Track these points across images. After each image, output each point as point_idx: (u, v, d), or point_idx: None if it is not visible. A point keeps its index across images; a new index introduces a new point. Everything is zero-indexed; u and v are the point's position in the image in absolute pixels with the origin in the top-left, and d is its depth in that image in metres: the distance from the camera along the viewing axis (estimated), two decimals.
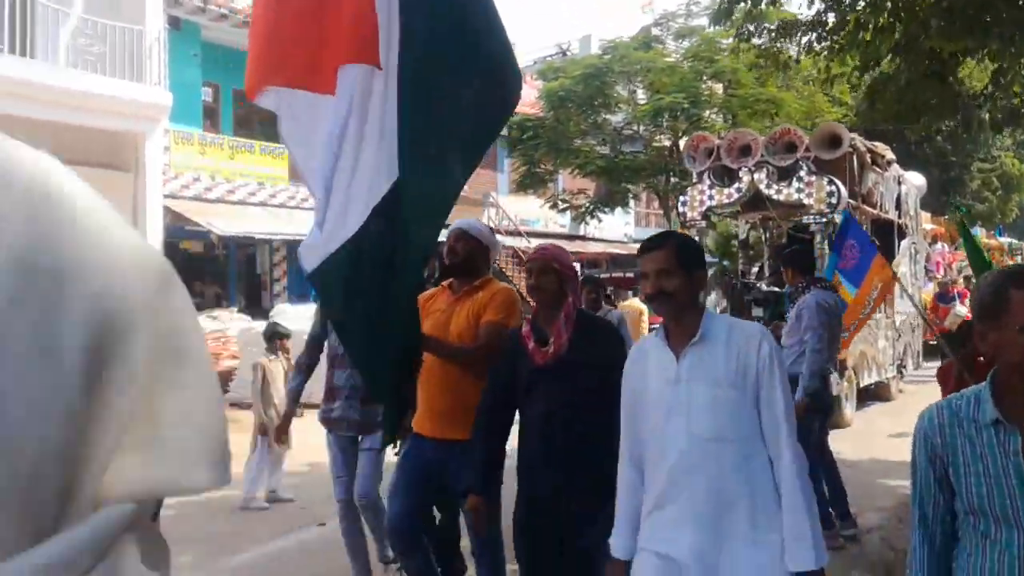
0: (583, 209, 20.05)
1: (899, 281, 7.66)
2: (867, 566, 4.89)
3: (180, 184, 16.11)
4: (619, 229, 27.03)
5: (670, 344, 2.38)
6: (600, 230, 24.50)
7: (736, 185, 9.74)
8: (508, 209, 23.81)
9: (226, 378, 10.93)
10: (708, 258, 12.26)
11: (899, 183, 11.93)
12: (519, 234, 23.22)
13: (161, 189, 15.64)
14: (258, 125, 19.06)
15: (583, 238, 25.89)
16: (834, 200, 9.15)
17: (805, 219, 9.75)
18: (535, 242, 23.48)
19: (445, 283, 3.77)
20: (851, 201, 9.50)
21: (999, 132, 7.84)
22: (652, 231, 28.40)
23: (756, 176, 9.50)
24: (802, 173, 9.30)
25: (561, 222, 24.43)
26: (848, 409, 9.43)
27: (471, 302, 3.55)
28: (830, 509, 5.30)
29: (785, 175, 9.37)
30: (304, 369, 4.65)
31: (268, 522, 6.03)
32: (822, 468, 5.34)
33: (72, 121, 12.33)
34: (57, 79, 12.93)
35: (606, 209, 20.19)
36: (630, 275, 18.98)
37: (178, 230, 15.83)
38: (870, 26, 6.26)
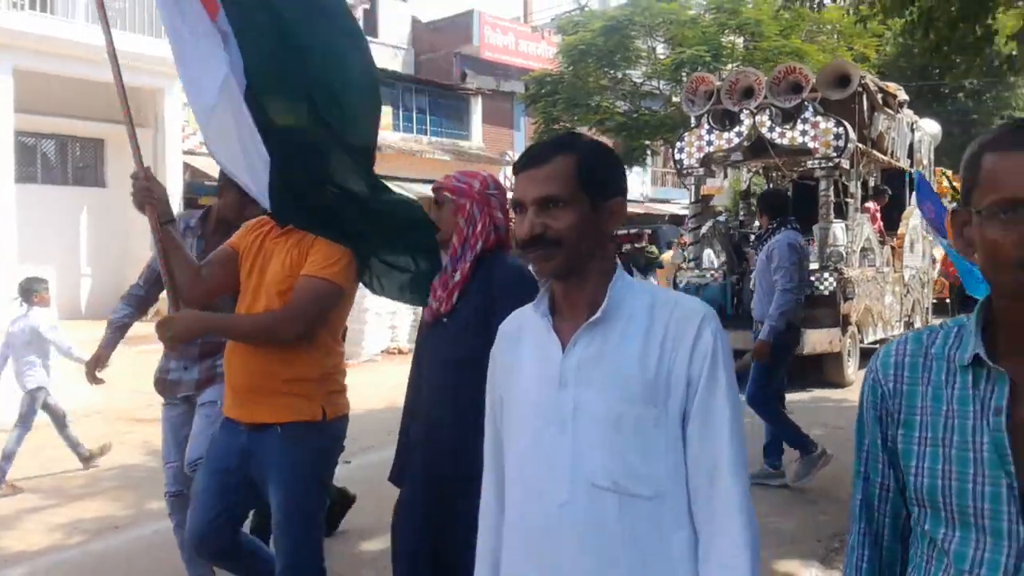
0: None
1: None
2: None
3: (199, 140, 16.12)
4: (636, 188, 26.86)
5: (555, 323, 1.47)
6: None
7: (737, 129, 9.03)
8: None
9: None
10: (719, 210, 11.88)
11: (912, 129, 11.22)
12: None
13: (180, 145, 15.69)
14: None
15: None
16: (841, 144, 8.48)
17: (810, 164, 9.01)
18: None
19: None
20: (859, 145, 8.96)
21: None
22: (669, 191, 28.32)
23: (758, 119, 8.80)
24: (807, 115, 8.61)
25: None
26: (851, 367, 8.95)
27: (294, 242, 2.61)
28: (766, 456, 5.32)
29: (789, 117, 8.68)
30: (135, 302, 3.76)
31: None
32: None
33: (92, 77, 12.35)
34: (77, 35, 12.93)
35: (624, 167, 20.08)
36: (634, 231, 18.92)
37: (198, 186, 15.89)
38: None
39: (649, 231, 19.82)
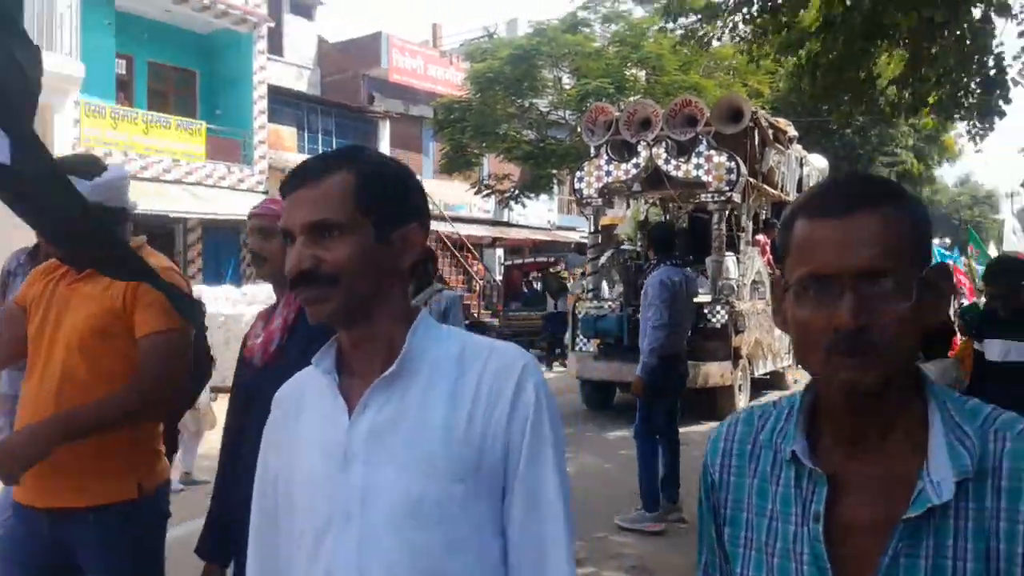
0: (508, 194, 20.11)
1: None
2: None
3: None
4: (543, 216, 27.19)
5: (343, 382, 1.19)
6: (524, 216, 24.60)
7: (634, 160, 9.05)
8: (433, 193, 23.63)
9: None
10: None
11: (802, 164, 11.57)
12: (444, 219, 23.10)
13: None
14: (174, 99, 18.38)
15: (507, 224, 25.95)
16: (733, 177, 8.58)
17: (703, 197, 9.11)
18: (459, 227, 23.47)
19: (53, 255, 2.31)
20: (751, 179, 9.08)
21: (909, 117, 8.13)
22: (575, 219, 28.82)
23: (655, 151, 8.85)
24: (701, 148, 8.69)
25: (486, 207, 24.43)
26: (741, 399, 8.99)
27: (102, 288, 2.14)
28: (661, 491, 5.29)
29: (684, 150, 8.75)
30: None
31: (181, 504, 5.81)
32: (665, 448, 5.37)
33: None
34: None
35: (531, 195, 20.28)
36: (541, 259, 19.06)
37: None
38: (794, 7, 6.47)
39: (554, 259, 20.07)
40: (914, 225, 0.91)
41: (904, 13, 5.60)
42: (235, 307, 12.23)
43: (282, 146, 20.76)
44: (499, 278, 20.98)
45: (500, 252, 23.80)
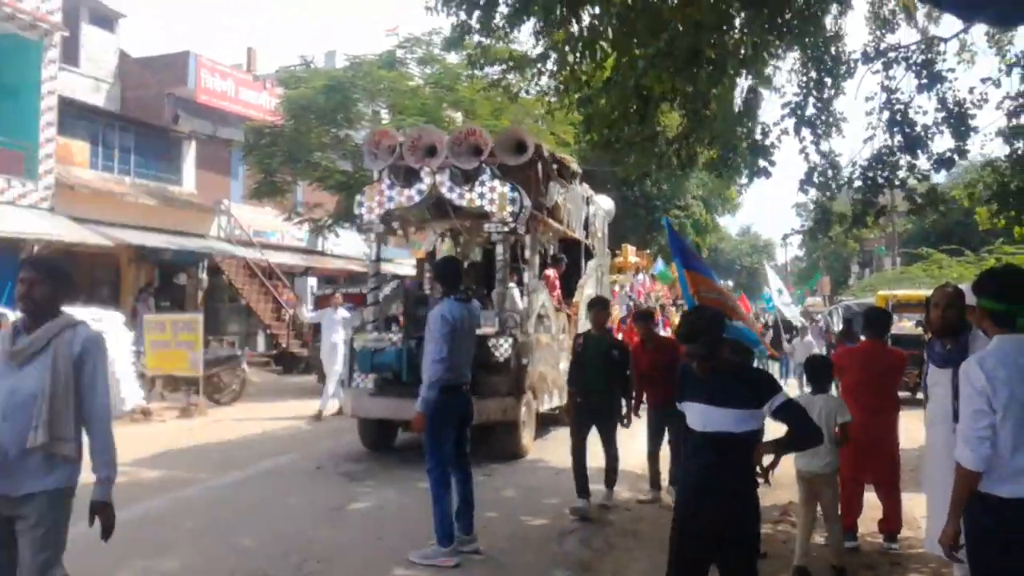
0: (321, 223, 19.84)
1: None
2: (569, 564, 5.31)
3: None
4: (358, 246, 26.96)
5: None
6: (338, 245, 24.30)
7: (417, 186, 8.79)
8: (242, 218, 22.83)
9: None
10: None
11: (587, 203, 11.65)
12: (252, 244, 22.35)
13: None
14: None
15: (322, 253, 25.50)
16: (516, 208, 8.53)
17: (486, 227, 8.93)
18: (269, 254, 22.77)
19: None
20: (535, 212, 9.06)
21: (684, 170, 8.94)
22: (391, 250, 28.76)
23: (438, 178, 8.67)
24: (484, 178, 8.59)
25: (298, 235, 23.91)
26: (527, 436, 8.92)
27: None
28: (455, 523, 5.33)
29: (469, 179, 8.62)
30: None
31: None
32: (458, 479, 5.43)
33: None
34: None
35: (345, 224, 20.13)
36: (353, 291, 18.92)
37: None
38: (584, 64, 7.04)
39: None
40: None
41: (660, 80, 6.24)
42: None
43: (73, 161, 19.29)
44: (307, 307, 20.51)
45: (313, 281, 23.28)
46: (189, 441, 9.96)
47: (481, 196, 8.62)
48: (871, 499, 5.70)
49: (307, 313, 13.94)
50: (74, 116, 19.42)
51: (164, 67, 21.90)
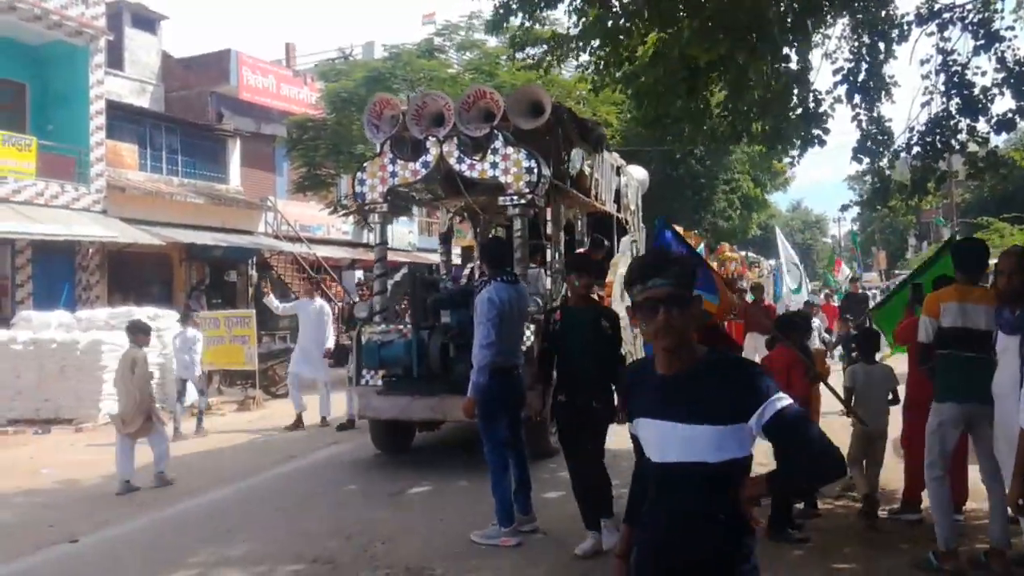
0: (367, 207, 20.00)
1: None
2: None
3: None
4: (404, 238, 27.14)
5: None
6: None
7: (423, 159, 7.71)
8: (288, 214, 23.12)
9: None
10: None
11: (618, 172, 10.48)
12: (299, 239, 22.62)
13: None
14: (1, 114, 17.11)
15: (367, 245, 25.70)
16: (533, 179, 7.39)
17: (501, 200, 7.73)
18: (316, 248, 23.03)
19: None
20: (557, 182, 8.00)
21: (733, 144, 8.72)
22: (436, 241, 28.93)
23: (445, 148, 7.59)
24: (497, 145, 7.46)
25: (344, 229, 24.11)
26: (554, 430, 7.44)
27: None
28: (514, 504, 5.26)
29: (479, 147, 7.55)
30: None
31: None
32: (515, 461, 5.38)
33: None
34: None
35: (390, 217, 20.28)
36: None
37: None
38: (631, 35, 6.91)
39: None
40: None
41: (707, 50, 6.09)
42: (69, 333, 11.46)
43: (123, 164, 19.71)
44: (357, 299, 20.73)
45: (360, 274, 23.49)
46: (249, 433, 10.15)
47: (494, 166, 7.52)
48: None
49: (276, 303, 11.63)
50: (121, 119, 19.82)
51: (206, 66, 22.24)
